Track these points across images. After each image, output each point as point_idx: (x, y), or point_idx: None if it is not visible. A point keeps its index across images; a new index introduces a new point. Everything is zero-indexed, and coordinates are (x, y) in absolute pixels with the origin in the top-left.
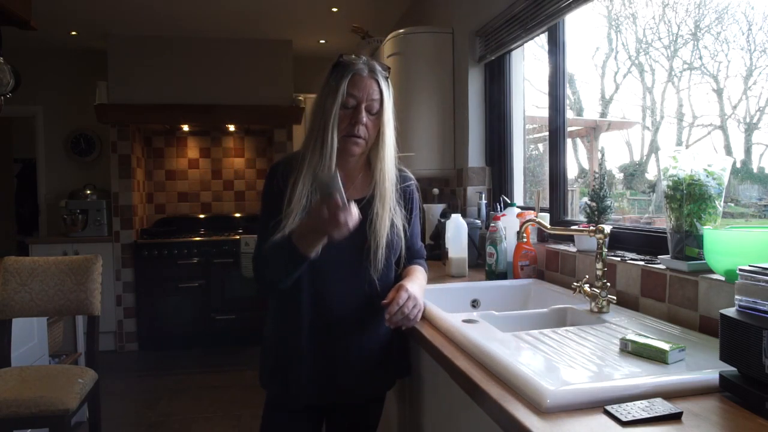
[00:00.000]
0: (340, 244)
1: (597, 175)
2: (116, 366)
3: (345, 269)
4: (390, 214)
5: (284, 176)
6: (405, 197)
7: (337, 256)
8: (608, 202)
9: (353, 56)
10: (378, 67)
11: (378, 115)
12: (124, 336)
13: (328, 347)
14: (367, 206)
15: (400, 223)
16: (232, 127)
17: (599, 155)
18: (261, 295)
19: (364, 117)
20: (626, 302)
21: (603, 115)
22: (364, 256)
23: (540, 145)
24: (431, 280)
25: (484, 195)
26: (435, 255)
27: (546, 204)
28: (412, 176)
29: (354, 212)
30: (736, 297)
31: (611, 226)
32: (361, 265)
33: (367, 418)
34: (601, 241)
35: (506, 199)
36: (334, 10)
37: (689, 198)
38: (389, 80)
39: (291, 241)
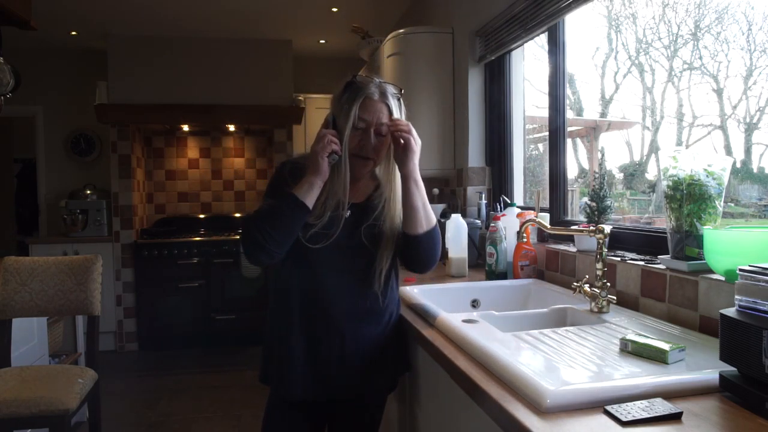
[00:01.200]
0: (335, 244)
1: (597, 175)
2: (116, 366)
3: (339, 269)
4: (394, 232)
5: (292, 174)
6: None
7: (332, 257)
8: (608, 202)
9: (366, 78)
10: (390, 90)
11: (387, 137)
12: (124, 336)
13: (323, 345)
14: (363, 211)
15: (397, 227)
16: (232, 127)
17: (599, 155)
18: (250, 262)
19: (373, 139)
20: (626, 302)
21: (603, 115)
22: (368, 269)
23: (540, 145)
24: (431, 280)
25: (484, 195)
26: None
27: (546, 204)
28: None
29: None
30: (736, 297)
31: (611, 226)
32: (356, 266)
33: (368, 419)
34: (601, 241)
35: (506, 199)
36: (334, 10)
37: (689, 198)
38: (402, 100)
39: (286, 192)
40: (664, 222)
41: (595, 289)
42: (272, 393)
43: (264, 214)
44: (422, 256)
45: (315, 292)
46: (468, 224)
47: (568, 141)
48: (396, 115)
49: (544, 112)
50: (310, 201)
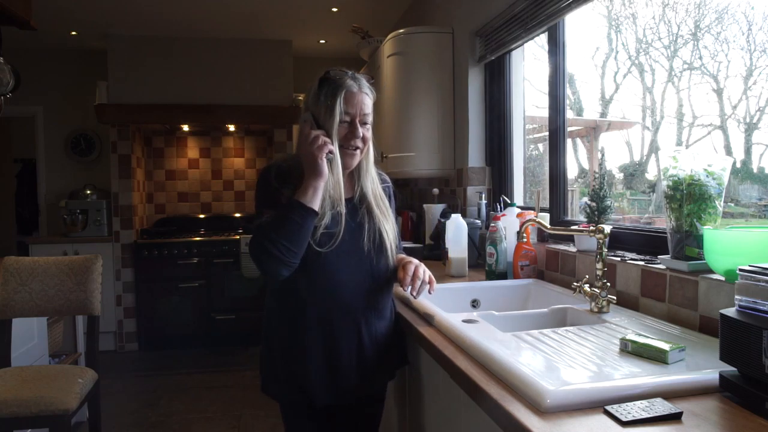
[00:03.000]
0: (341, 241)
1: (597, 175)
2: (116, 366)
3: (348, 267)
4: (387, 217)
5: (279, 178)
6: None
7: (339, 255)
8: (608, 202)
9: (339, 71)
10: (363, 80)
11: (369, 126)
12: (124, 336)
13: (341, 345)
14: (355, 206)
15: (390, 221)
16: (232, 127)
17: (599, 155)
18: (268, 277)
19: (360, 131)
20: (626, 302)
21: (603, 115)
22: (372, 263)
23: (540, 145)
24: None
25: (484, 195)
26: (435, 255)
27: (546, 204)
28: (387, 178)
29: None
30: (736, 297)
31: (611, 226)
32: (362, 264)
33: (369, 417)
34: (601, 241)
35: (506, 199)
36: (334, 10)
37: (689, 198)
38: (372, 89)
39: (290, 199)
40: (664, 222)
41: (595, 289)
42: (286, 402)
43: (275, 228)
44: None
45: (327, 291)
46: (468, 224)
47: (568, 141)
48: (370, 103)
49: (544, 112)
50: (317, 205)
